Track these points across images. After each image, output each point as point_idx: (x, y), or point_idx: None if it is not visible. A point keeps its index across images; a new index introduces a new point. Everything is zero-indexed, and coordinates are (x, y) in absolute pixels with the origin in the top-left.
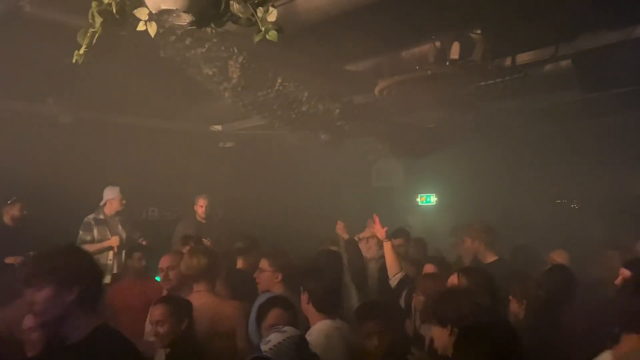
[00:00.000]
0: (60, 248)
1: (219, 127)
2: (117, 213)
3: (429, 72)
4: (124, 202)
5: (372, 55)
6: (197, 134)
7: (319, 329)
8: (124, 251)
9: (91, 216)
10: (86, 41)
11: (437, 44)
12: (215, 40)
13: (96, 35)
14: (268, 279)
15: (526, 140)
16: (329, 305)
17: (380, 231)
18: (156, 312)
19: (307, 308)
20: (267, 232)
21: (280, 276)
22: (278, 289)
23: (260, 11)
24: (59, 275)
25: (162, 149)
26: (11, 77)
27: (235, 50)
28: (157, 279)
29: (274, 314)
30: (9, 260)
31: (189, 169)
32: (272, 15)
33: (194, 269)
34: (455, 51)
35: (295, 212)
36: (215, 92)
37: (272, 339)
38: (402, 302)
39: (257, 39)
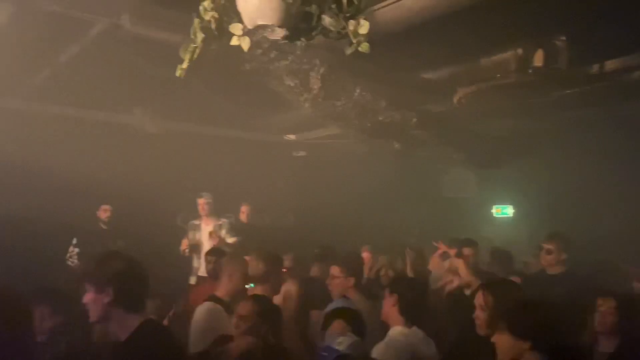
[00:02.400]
0: (100, 254)
1: (292, 137)
2: (205, 218)
3: (511, 80)
4: (207, 208)
5: (450, 63)
6: (272, 143)
7: (392, 334)
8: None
9: (190, 220)
10: (188, 56)
11: (520, 51)
12: (298, 52)
13: (197, 51)
14: (340, 285)
15: (607, 150)
16: (413, 314)
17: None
18: (243, 308)
19: (391, 311)
20: (338, 239)
21: (352, 281)
22: (351, 295)
23: (351, 24)
24: (95, 279)
25: (238, 158)
26: (104, 89)
27: (317, 62)
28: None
29: (337, 325)
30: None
31: (264, 176)
32: (364, 28)
33: (258, 272)
34: (539, 59)
35: (365, 221)
36: (295, 102)
37: (343, 341)
38: None
39: (349, 51)
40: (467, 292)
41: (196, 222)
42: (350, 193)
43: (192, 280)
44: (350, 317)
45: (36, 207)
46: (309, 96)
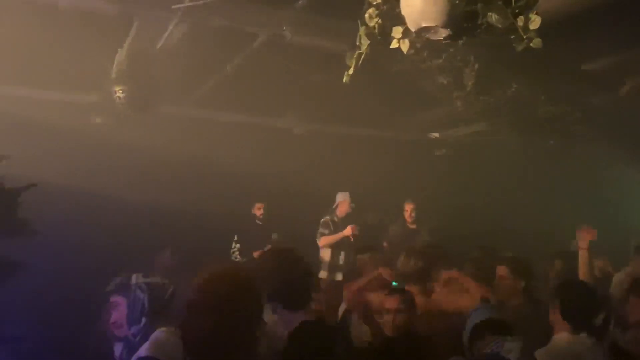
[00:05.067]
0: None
1: (436, 135)
2: (347, 215)
3: None
4: (352, 205)
5: (617, 52)
6: (414, 142)
7: (555, 340)
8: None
9: (327, 217)
10: (354, 62)
11: None
12: (451, 50)
13: (362, 57)
14: (507, 287)
15: None
16: (576, 319)
17: (586, 238)
18: (392, 301)
19: (555, 317)
20: (484, 240)
21: (521, 284)
22: (517, 299)
23: (520, 20)
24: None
25: (382, 157)
26: (262, 95)
27: (472, 59)
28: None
29: (490, 341)
30: (256, 254)
31: (406, 175)
32: (535, 23)
33: (409, 269)
34: None
35: (514, 221)
36: (445, 100)
37: (514, 348)
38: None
39: (519, 47)
40: None
41: (334, 218)
42: (497, 193)
43: (323, 274)
44: (500, 328)
45: (203, 205)
46: (462, 93)
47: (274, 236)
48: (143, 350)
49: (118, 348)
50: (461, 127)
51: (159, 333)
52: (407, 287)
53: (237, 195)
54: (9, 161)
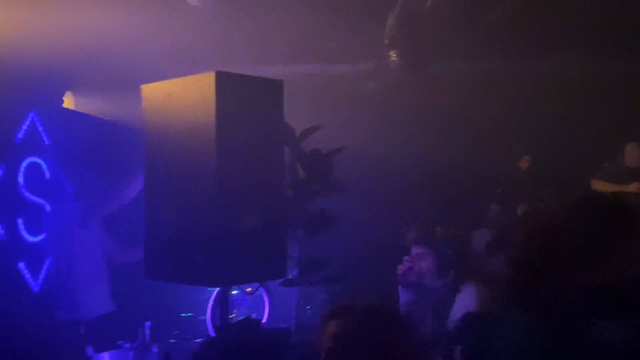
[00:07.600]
0: None
1: None
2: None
3: None
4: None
5: None
6: None
7: None
8: None
9: (606, 165)
10: None
11: None
12: None
13: None
14: None
15: None
16: None
17: None
18: None
19: None
20: None
21: None
22: None
23: None
24: None
25: None
26: (530, 40)
27: None
28: None
29: None
30: (520, 209)
31: None
32: None
33: None
34: None
35: None
36: None
37: None
38: None
39: None
40: None
41: (624, 168)
42: None
43: None
44: None
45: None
46: None
47: (546, 190)
48: (469, 306)
49: (404, 294)
50: None
51: (477, 288)
52: None
53: (501, 149)
54: (321, 130)
